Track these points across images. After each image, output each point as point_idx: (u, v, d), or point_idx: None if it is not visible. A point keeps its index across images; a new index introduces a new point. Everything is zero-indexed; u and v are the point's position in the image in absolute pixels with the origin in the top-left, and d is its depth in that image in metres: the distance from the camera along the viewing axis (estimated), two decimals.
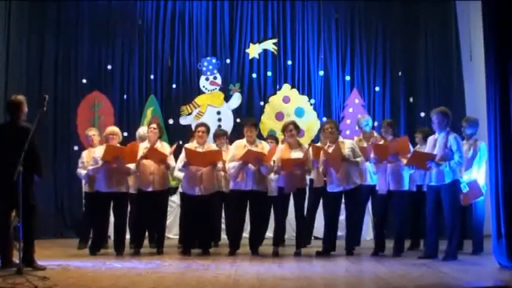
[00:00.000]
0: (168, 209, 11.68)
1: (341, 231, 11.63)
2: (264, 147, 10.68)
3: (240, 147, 10.56)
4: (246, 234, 11.09)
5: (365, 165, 10.95)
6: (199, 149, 10.61)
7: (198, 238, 10.85)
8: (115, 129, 10.95)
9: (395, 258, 9.95)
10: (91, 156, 11.06)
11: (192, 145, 10.86)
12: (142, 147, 10.71)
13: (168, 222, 11.72)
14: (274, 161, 10.55)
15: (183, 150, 10.66)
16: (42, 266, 8.50)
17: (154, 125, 10.98)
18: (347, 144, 10.56)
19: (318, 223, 11.67)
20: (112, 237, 11.09)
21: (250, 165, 10.38)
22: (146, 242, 11.19)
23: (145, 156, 10.56)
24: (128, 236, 11.17)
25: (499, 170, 8.53)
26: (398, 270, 8.52)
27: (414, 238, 11.50)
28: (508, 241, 8.35)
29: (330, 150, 10.32)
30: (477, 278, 7.96)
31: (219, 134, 12.04)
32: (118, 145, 10.75)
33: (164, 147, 10.88)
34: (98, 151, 10.75)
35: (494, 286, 7.35)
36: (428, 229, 9.82)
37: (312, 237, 12.06)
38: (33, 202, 8.51)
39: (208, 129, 10.94)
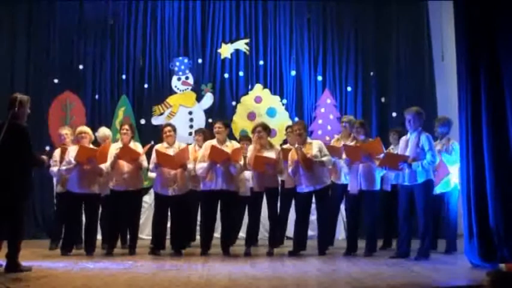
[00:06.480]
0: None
1: (313, 231, 11.67)
2: (233, 146, 10.66)
3: (209, 147, 10.49)
4: (218, 234, 11.07)
5: (339, 164, 10.97)
6: (170, 150, 10.62)
7: (170, 238, 10.82)
8: (85, 128, 10.88)
9: (367, 258, 9.99)
10: (63, 154, 11.00)
11: (162, 146, 10.82)
12: (114, 148, 10.67)
13: (140, 222, 11.63)
14: (244, 158, 10.61)
15: (154, 151, 10.65)
16: (28, 267, 8.40)
17: (126, 126, 10.93)
18: (314, 145, 10.58)
19: (291, 223, 11.67)
20: (83, 238, 11.02)
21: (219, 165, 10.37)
22: (118, 243, 11.13)
23: (118, 157, 10.53)
24: (99, 237, 11.08)
25: (470, 170, 8.58)
26: (370, 269, 8.56)
27: (386, 237, 11.54)
28: (480, 241, 8.41)
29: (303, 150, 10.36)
30: (449, 277, 8.00)
31: (201, 132, 12.11)
32: (91, 145, 10.71)
33: (137, 148, 10.85)
34: (72, 152, 10.64)
35: (466, 285, 7.38)
36: (401, 228, 9.87)
37: (285, 238, 12.06)
38: (20, 202, 8.52)
39: (174, 129, 10.92)
